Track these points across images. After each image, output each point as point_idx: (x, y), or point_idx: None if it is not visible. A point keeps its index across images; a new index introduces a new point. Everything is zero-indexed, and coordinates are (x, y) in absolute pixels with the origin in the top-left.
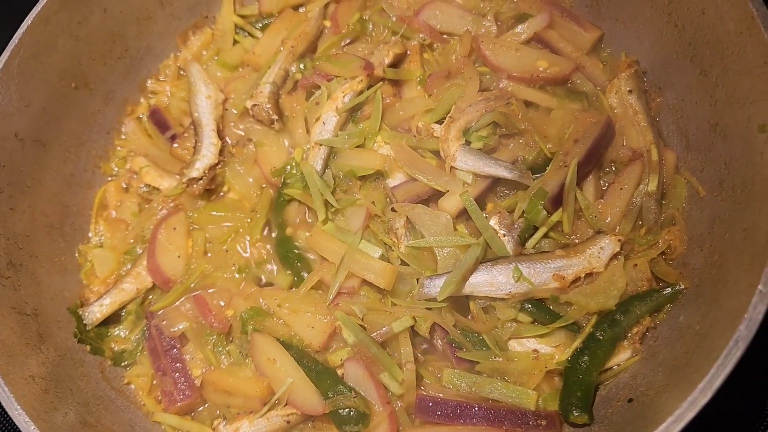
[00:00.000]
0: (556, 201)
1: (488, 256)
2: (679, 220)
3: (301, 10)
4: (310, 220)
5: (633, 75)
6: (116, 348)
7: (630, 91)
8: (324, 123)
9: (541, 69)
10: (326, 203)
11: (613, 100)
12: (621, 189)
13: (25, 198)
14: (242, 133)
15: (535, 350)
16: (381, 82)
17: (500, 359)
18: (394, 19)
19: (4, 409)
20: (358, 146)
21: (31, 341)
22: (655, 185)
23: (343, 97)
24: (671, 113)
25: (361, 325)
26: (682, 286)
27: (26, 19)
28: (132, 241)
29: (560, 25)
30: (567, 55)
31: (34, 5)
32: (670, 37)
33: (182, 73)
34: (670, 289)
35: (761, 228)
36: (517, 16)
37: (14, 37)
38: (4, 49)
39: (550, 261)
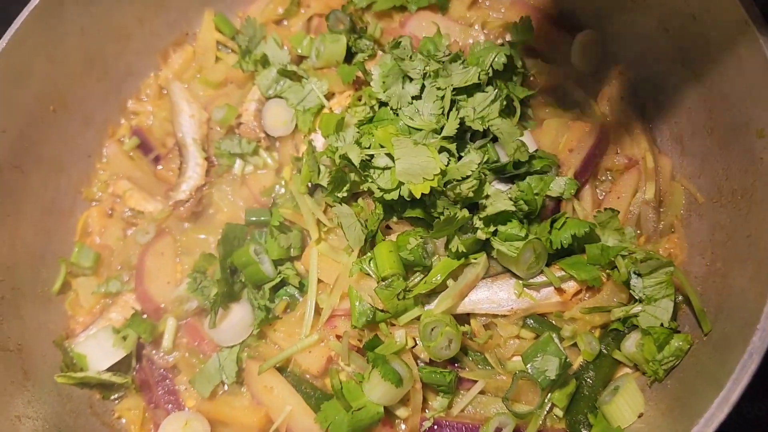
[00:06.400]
0: (554, 212)
1: (489, 272)
2: (678, 227)
3: (283, 24)
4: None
5: (624, 82)
6: (105, 380)
7: (622, 98)
8: (312, 140)
9: (531, 77)
10: (318, 222)
11: (605, 108)
12: (618, 198)
13: (5, 227)
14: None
15: None
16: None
17: (504, 377)
18: (380, 32)
19: None
20: None
21: (16, 379)
22: (653, 193)
23: (331, 112)
24: (664, 119)
25: (358, 350)
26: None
27: (0, 41)
28: (119, 267)
29: (548, 32)
30: (557, 62)
31: (7, 28)
32: (660, 42)
33: (164, 91)
34: None
35: (765, 235)
36: (505, 25)
37: None
38: None
39: (550, 275)
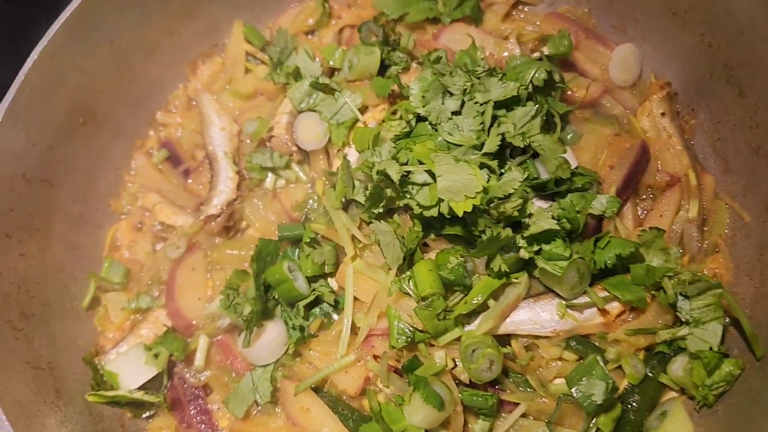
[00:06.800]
0: (595, 231)
1: (530, 292)
2: (722, 247)
3: (314, 35)
4: None
5: (665, 97)
6: (137, 399)
7: (663, 114)
8: (346, 154)
9: (568, 92)
10: (353, 238)
11: (645, 123)
12: (660, 216)
13: (35, 242)
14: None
15: None
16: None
17: (546, 400)
18: (413, 44)
19: None
20: None
21: (49, 398)
22: (696, 211)
23: (365, 126)
24: (706, 136)
25: (396, 371)
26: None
27: (32, 53)
28: (149, 282)
29: (585, 46)
30: (594, 76)
31: (39, 40)
32: (703, 57)
33: (193, 103)
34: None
35: None
36: (540, 38)
37: (20, 73)
38: (8, 87)
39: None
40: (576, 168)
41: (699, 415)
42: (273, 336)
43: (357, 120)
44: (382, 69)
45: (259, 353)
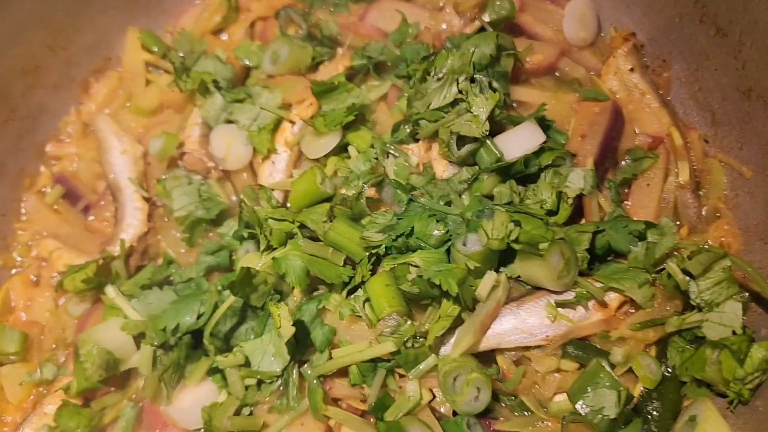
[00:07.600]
0: (577, 211)
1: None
2: (724, 211)
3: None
4: None
5: (631, 50)
6: None
7: (631, 70)
8: (273, 162)
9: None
10: None
11: (612, 83)
12: (648, 185)
13: None
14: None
15: None
16: None
17: (549, 423)
18: (335, 29)
19: None
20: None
21: None
22: (687, 174)
23: (292, 127)
24: (685, 87)
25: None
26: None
27: None
28: (53, 347)
29: (533, 6)
30: (548, 39)
31: None
32: None
33: (90, 129)
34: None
35: None
36: (480, 4)
37: None
38: None
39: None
40: (544, 143)
41: (734, 415)
42: (203, 396)
43: (281, 120)
44: None
45: (189, 416)
